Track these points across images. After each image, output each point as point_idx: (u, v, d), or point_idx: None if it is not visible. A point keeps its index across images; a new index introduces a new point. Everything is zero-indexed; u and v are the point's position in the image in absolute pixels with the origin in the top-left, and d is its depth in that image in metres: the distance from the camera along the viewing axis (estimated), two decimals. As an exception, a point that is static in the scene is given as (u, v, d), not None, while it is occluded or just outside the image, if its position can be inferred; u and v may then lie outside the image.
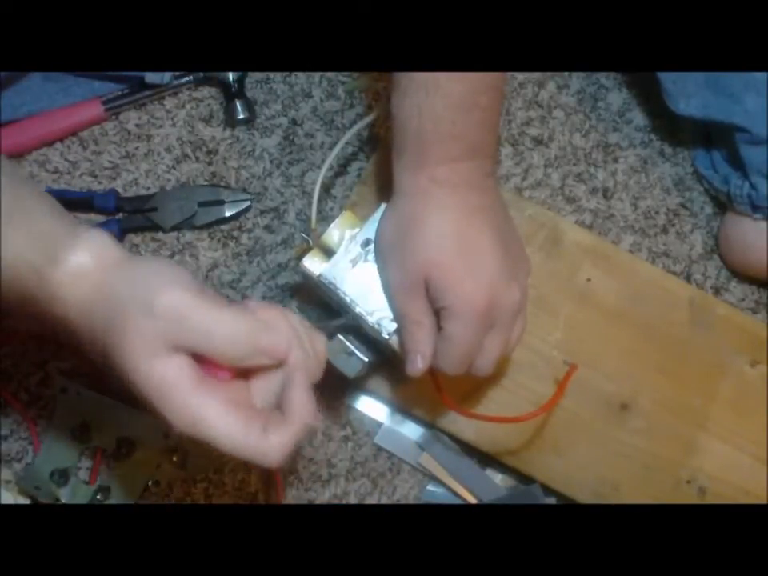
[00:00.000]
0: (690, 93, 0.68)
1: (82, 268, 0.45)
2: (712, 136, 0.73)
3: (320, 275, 0.58)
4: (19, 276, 0.44)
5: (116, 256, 0.46)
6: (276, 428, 0.45)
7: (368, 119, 0.63)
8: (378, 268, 0.57)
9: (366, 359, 0.59)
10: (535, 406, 0.58)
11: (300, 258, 0.59)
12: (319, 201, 0.61)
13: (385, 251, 0.56)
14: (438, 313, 0.54)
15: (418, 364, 0.55)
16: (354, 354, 0.59)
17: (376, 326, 0.57)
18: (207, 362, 0.45)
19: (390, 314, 0.57)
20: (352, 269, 0.58)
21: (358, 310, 0.57)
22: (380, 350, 0.60)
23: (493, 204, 0.56)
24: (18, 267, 0.44)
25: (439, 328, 0.54)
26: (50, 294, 0.44)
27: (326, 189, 0.72)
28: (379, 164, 0.67)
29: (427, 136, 0.53)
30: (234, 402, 0.45)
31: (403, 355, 0.56)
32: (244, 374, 0.47)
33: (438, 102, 0.52)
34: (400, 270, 0.55)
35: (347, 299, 0.57)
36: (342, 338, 0.58)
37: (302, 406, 0.46)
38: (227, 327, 0.45)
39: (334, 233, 0.59)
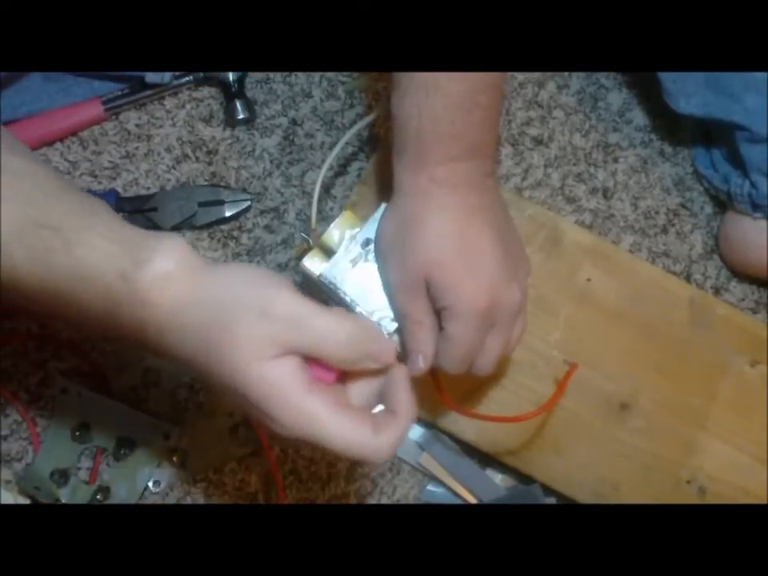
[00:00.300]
0: (690, 92, 0.68)
1: (167, 271, 0.44)
2: (712, 135, 0.73)
3: (320, 275, 0.58)
4: (108, 282, 0.44)
5: (197, 260, 0.46)
6: (385, 427, 0.46)
7: (368, 119, 0.63)
8: (379, 268, 0.57)
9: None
10: (535, 406, 0.58)
11: (300, 258, 0.59)
12: (319, 201, 0.61)
13: (385, 251, 0.56)
14: (438, 313, 0.54)
15: (419, 364, 0.55)
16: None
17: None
18: (313, 364, 0.46)
19: (390, 314, 0.57)
20: (352, 269, 0.58)
21: (358, 309, 0.57)
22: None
23: (493, 204, 0.56)
24: (106, 273, 0.44)
25: (440, 328, 0.54)
26: (140, 298, 0.44)
27: (326, 189, 0.72)
28: (379, 164, 0.67)
29: (427, 136, 0.53)
30: (340, 403, 0.46)
31: (404, 355, 0.56)
32: (342, 376, 0.48)
33: (438, 101, 0.52)
34: (400, 269, 0.55)
35: (347, 299, 0.57)
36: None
37: (410, 404, 0.48)
38: (341, 332, 0.45)
39: (334, 233, 0.58)
